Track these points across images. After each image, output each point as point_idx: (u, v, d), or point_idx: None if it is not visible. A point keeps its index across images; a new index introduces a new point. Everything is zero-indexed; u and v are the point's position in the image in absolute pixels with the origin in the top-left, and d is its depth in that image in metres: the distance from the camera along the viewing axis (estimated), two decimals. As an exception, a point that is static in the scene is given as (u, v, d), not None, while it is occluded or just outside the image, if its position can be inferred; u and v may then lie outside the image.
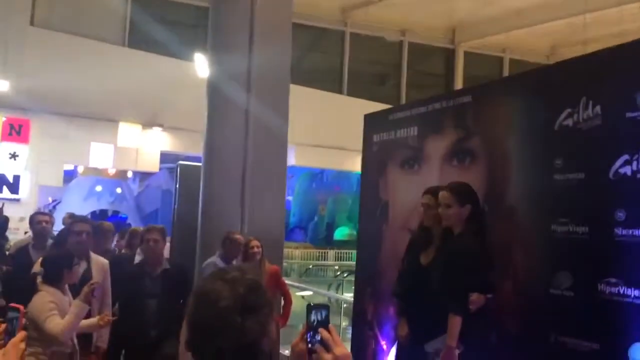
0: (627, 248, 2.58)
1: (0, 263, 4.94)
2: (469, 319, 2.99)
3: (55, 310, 3.28)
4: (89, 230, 4.08)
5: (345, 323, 6.72)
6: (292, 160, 13.25)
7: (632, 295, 2.54)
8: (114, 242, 6.12)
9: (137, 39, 13.44)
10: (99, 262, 4.10)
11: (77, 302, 3.33)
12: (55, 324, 3.24)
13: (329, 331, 1.49)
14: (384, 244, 4.35)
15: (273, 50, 6.00)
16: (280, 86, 6.13)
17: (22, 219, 9.85)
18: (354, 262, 5.00)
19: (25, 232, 7.87)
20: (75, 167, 17.22)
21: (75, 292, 3.46)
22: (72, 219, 4.24)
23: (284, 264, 7.18)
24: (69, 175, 17.20)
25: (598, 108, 2.78)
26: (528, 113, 3.28)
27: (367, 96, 14.68)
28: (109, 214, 18.04)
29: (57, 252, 3.75)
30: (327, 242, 20.14)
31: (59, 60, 11.96)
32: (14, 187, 12.69)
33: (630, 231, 2.57)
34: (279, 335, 4.87)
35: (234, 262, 4.69)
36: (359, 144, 4.88)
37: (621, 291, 2.59)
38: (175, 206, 7.44)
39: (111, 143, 13.54)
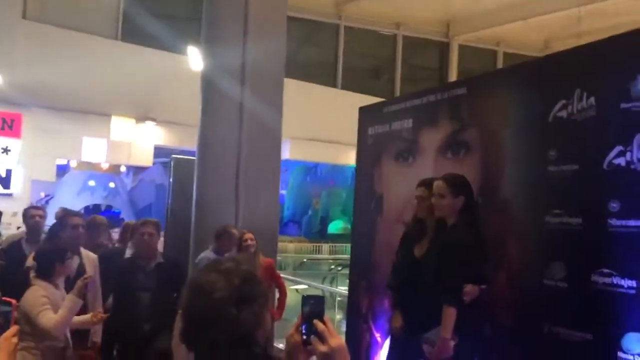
0: (620, 239, 2.59)
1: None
2: (464, 311, 3.00)
3: (48, 304, 3.27)
4: (84, 224, 4.08)
5: (339, 316, 6.74)
6: (286, 154, 13.23)
7: (626, 286, 2.55)
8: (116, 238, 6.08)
9: (130, 33, 13.34)
10: (90, 256, 4.10)
11: (71, 296, 3.32)
12: (48, 318, 3.22)
13: (324, 322, 1.49)
14: (378, 236, 4.36)
15: (267, 44, 5.97)
16: (275, 79, 6.11)
17: (14, 214, 9.79)
18: (348, 256, 5.00)
19: (18, 227, 7.82)
20: (68, 161, 17.13)
21: (69, 286, 3.45)
22: (65, 213, 4.21)
23: (278, 257, 7.17)
24: (62, 170, 17.12)
25: (592, 99, 2.78)
26: (522, 105, 3.28)
27: (361, 90, 14.66)
28: (102, 208, 17.98)
29: (49, 246, 3.74)
30: (321, 235, 20.18)
31: (51, 54, 11.86)
32: (6, 181, 12.62)
33: (624, 222, 2.58)
34: (273, 327, 4.87)
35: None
36: (353, 137, 4.87)
37: (614, 282, 2.60)
38: (169, 200, 7.41)
39: (104, 137, 13.46)
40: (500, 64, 17.14)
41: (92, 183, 17.77)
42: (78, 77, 11.95)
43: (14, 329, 1.83)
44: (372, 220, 4.42)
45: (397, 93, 15.76)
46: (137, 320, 4.10)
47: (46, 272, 3.39)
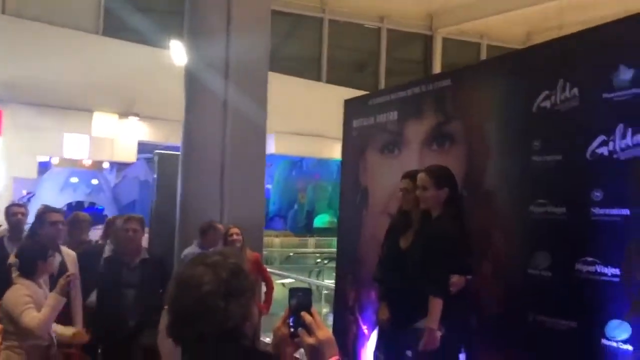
0: (603, 227, 2.62)
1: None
2: (450, 301, 3.02)
3: (31, 303, 3.23)
4: (63, 220, 4.03)
5: (326, 310, 6.74)
6: (271, 148, 13.18)
7: (609, 274, 2.58)
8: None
9: (112, 27, 13.17)
10: (70, 254, 4.07)
11: (54, 294, 3.28)
12: (31, 317, 3.19)
13: (311, 315, 1.48)
14: (364, 229, 4.36)
15: (251, 37, 5.94)
16: (259, 73, 6.08)
17: (-4, 212, 9.64)
18: (335, 249, 5.00)
19: (0, 225, 7.70)
20: (50, 158, 16.91)
21: (52, 284, 3.41)
22: (44, 209, 4.16)
23: (264, 252, 7.16)
24: (44, 167, 16.90)
25: (575, 90, 2.80)
26: (506, 96, 3.30)
27: (346, 83, 14.65)
28: (85, 205, 17.78)
29: (31, 243, 3.69)
30: (307, 230, 20.16)
31: (32, 50, 11.67)
32: (-13, 179, 12.43)
33: (607, 210, 2.61)
34: (260, 321, 4.87)
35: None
36: (338, 131, 4.86)
37: (598, 270, 2.63)
38: (154, 196, 7.35)
39: (86, 133, 13.29)
40: (483, 57, 17.20)
41: (74, 180, 17.54)
42: (59, 73, 11.78)
43: (-3, 328, 1.80)
44: (358, 213, 4.42)
45: (382, 86, 15.77)
46: (123, 317, 4.07)
47: (28, 270, 3.35)
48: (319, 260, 13.92)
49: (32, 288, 3.32)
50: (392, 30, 16.60)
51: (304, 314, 1.47)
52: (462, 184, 3.34)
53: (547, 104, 2.94)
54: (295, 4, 15.08)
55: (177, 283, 1.47)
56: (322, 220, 20.37)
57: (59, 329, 3.45)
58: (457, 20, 16.28)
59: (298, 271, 11.71)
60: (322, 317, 6.40)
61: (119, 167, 19.06)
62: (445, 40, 17.04)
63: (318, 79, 15.79)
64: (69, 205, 16.48)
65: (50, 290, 3.38)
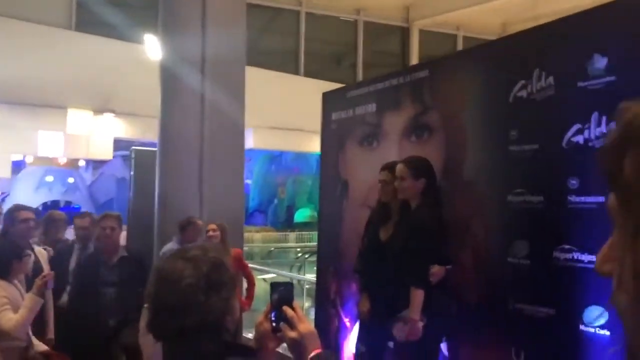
0: (580, 215, 2.65)
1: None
2: (431, 292, 3.04)
3: (7, 305, 3.18)
4: (34, 218, 3.97)
5: (308, 304, 6.75)
6: (249, 143, 13.12)
7: (586, 260, 2.62)
8: None
9: (85, 22, 12.95)
10: (43, 253, 4.01)
11: (31, 295, 3.23)
12: (8, 319, 3.13)
13: (293, 309, 1.47)
14: (344, 221, 4.36)
15: (227, 31, 5.88)
16: (236, 68, 6.03)
17: (-31, 213, 9.43)
18: (316, 243, 5.00)
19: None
20: (24, 157, 16.60)
21: (28, 285, 3.35)
22: (15, 208, 4.09)
23: (245, 248, 7.13)
24: (18, 166, 16.59)
25: (551, 79, 2.83)
26: (483, 86, 3.31)
27: (324, 77, 14.63)
28: (61, 204, 17.52)
29: (4, 243, 3.61)
30: (288, 224, 20.14)
31: (3, 46, 11.44)
32: (-41, 179, 12.17)
33: (583, 198, 2.64)
34: (241, 317, 4.85)
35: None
36: (317, 124, 4.85)
37: (575, 257, 2.67)
38: (131, 193, 7.26)
39: (60, 131, 13.08)
40: (460, 48, 17.30)
41: (49, 179, 17.27)
42: (31, 69, 11.55)
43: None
44: (338, 206, 4.42)
45: (360, 79, 15.78)
46: (102, 316, 4.01)
47: (3, 271, 3.29)
48: (300, 254, 13.92)
49: (9, 289, 3.26)
50: (369, 22, 16.61)
51: (285, 308, 1.46)
52: (441, 174, 3.35)
53: (524, 93, 2.96)
54: (271, -3, 15.01)
55: (157, 278, 1.45)
56: (302, 214, 20.36)
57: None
58: (433, 12, 16.35)
59: (279, 266, 11.71)
60: (305, 311, 6.40)
61: (95, 164, 18.82)
62: (421, 32, 17.11)
63: (296, 72, 15.74)
64: (45, 204, 16.22)
65: (27, 291, 3.32)
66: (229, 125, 5.89)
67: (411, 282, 3.03)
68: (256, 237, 16.96)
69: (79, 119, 13.14)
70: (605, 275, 0.54)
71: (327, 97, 4.76)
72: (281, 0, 15.47)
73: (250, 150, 13.94)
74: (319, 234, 4.83)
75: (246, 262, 5.54)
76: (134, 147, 7.61)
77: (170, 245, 4.82)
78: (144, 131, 12.81)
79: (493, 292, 3.10)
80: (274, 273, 8.88)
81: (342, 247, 4.33)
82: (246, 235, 8.88)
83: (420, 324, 3.01)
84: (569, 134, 2.69)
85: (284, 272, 9.55)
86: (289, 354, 1.46)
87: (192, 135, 5.73)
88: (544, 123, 2.86)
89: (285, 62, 15.75)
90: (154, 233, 5.84)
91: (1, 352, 3.20)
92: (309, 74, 15.58)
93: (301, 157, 19.70)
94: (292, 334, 1.43)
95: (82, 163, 18.78)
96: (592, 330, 2.58)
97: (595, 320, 2.57)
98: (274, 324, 1.48)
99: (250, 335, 5.23)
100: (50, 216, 5.05)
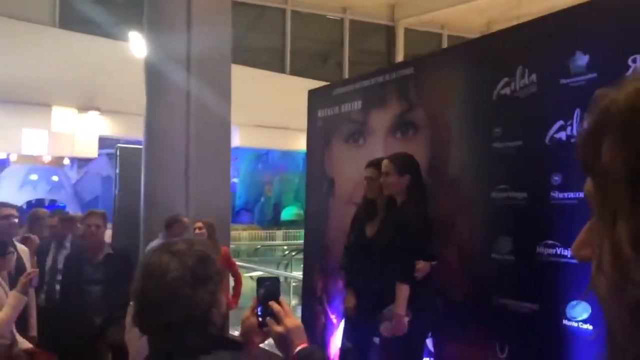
0: (562, 210, 2.68)
1: None
2: (416, 287, 3.06)
3: (-10, 303, 3.14)
4: (18, 215, 3.93)
5: (295, 301, 6.75)
6: (236, 141, 13.06)
7: (569, 256, 2.65)
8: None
9: (69, 19, 12.80)
10: (24, 249, 3.98)
11: (14, 293, 3.20)
12: (-8, 317, 3.10)
13: (279, 304, 1.48)
14: (331, 218, 4.38)
15: (213, 29, 5.86)
16: (222, 66, 6.01)
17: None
18: (302, 242, 5.01)
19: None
20: (8, 155, 16.39)
21: (11, 282, 3.32)
22: None
23: (232, 246, 7.12)
24: (1, 165, 16.38)
25: (534, 76, 2.86)
26: (467, 83, 3.34)
27: (309, 75, 14.60)
28: (46, 203, 17.31)
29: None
30: (275, 222, 20.12)
31: (-16, 43, 11.28)
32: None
33: (566, 194, 2.67)
34: (228, 314, 4.84)
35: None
36: (303, 122, 4.85)
37: (558, 252, 2.70)
38: (116, 191, 7.21)
39: (45, 129, 12.93)
40: (445, 47, 17.41)
41: (34, 177, 17.06)
42: (15, 67, 11.40)
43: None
44: (325, 204, 4.43)
45: (346, 77, 15.80)
46: (88, 314, 3.99)
47: (-14, 268, 3.25)
48: (287, 252, 13.91)
49: (-8, 288, 3.23)
50: (354, 21, 16.62)
51: (272, 303, 1.47)
52: (427, 171, 3.38)
53: (507, 90, 2.99)
54: (257, -5, 14.96)
55: (143, 272, 1.45)
56: (289, 212, 20.35)
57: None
58: (418, 11, 16.40)
59: (266, 264, 11.69)
60: (292, 308, 6.40)
61: (80, 163, 18.63)
62: (407, 30, 17.16)
63: (282, 70, 15.71)
64: (29, 203, 16.02)
65: (10, 288, 3.29)
66: (215, 123, 5.87)
67: (397, 277, 3.05)
68: (243, 235, 16.92)
69: (63, 116, 13.00)
70: (582, 260, 0.55)
71: (312, 94, 4.77)
72: (267, -2, 15.44)
73: (237, 148, 13.90)
74: (306, 231, 4.83)
75: (233, 260, 5.54)
76: (119, 145, 7.56)
77: (156, 242, 4.80)
78: (129, 129, 12.70)
79: (478, 288, 3.13)
80: (260, 271, 8.87)
81: (329, 245, 4.34)
82: (233, 233, 8.86)
83: (406, 319, 3.04)
84: (552, 130, 2.73)
85: (270, 270, 9.54)
86: (275, 350, 1.47)
87: (177, 133, 5.71)
88: (527, 120, 2.89)
89: (271, 60, 15.72)
90: (139, 231, 5.81)
91: (-15, 351, 3.17)
92: (295, 72, 15.56)
93: (287, 155, 19.67)
94: (279, 329, 1.43)
95: (66, 161, 18.56)
96: (575, 324, 2.61)
97: (578, 314, 2.60)
98: (260, 319, 1.48)
99: (237, 333, 5.23)
100: (35, 214, 5.01)
